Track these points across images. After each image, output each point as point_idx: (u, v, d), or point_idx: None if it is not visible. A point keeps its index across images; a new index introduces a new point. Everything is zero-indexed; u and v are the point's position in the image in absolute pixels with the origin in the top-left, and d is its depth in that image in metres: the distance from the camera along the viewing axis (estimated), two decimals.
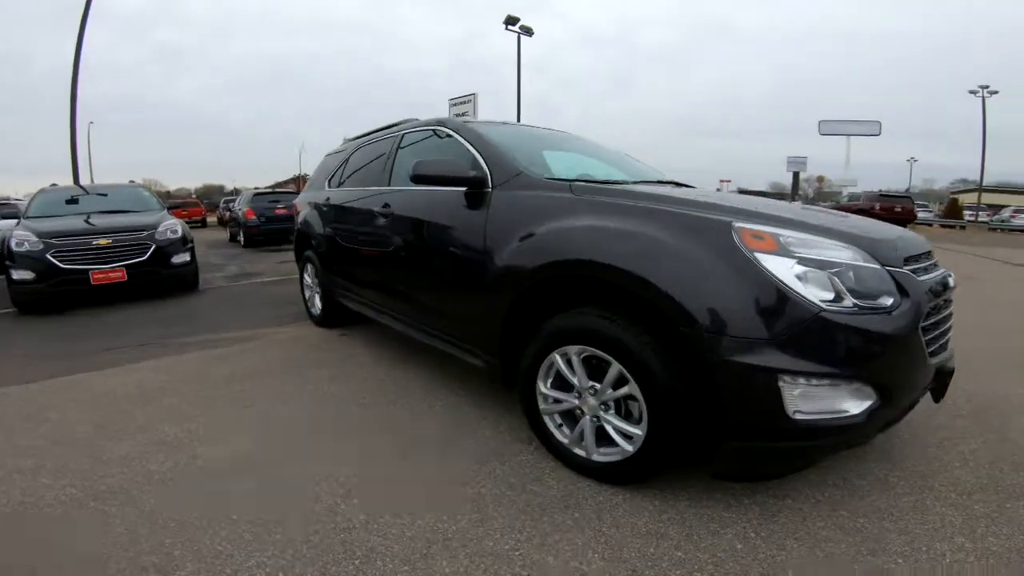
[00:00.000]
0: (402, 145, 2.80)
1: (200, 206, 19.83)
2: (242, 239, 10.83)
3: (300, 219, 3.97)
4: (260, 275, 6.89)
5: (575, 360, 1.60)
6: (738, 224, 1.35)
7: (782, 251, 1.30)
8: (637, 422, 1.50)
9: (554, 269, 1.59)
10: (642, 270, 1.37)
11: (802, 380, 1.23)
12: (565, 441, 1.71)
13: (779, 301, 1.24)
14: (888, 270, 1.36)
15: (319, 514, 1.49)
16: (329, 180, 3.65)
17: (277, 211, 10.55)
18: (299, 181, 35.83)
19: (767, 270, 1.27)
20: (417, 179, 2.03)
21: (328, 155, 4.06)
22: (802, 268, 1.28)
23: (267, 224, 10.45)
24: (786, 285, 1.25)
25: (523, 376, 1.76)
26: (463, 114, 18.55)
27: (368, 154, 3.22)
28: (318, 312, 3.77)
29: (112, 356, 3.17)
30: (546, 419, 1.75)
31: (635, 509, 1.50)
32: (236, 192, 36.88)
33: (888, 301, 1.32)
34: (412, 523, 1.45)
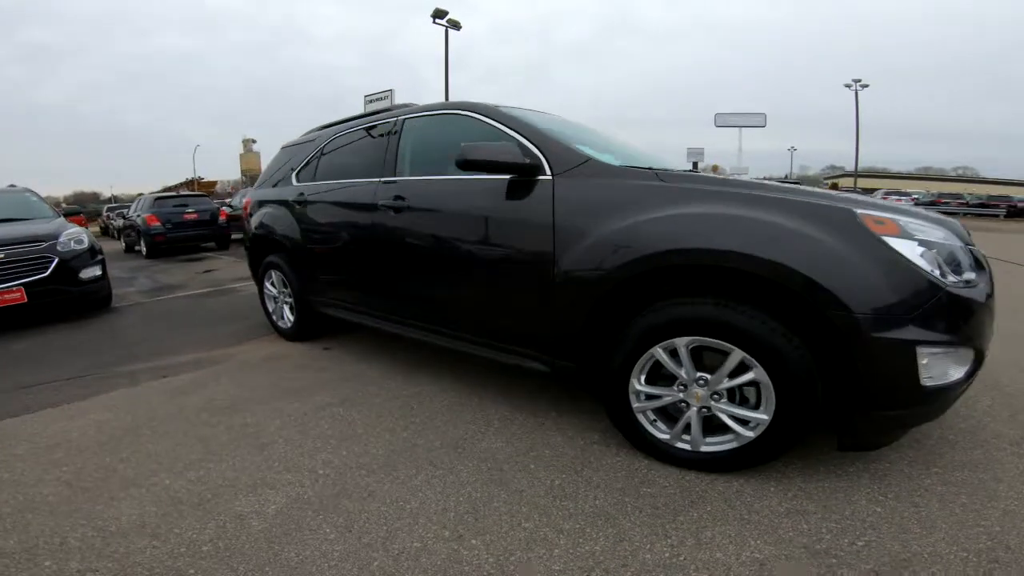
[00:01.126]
0: (404, 131, 2.52)
1: (80, 215, 16.90)
2: (144, 249, 9.38)
3: (255, 221, 3.48)
4: (183, 288, 6.01)
5: (683, 352, 1.54)
6: (859, 211, 1.38)
7: (904, 234, 1.36)
8: (754, 407, 1.50)
9: (664, 259, 1.50)
10: (786, 258, 1.34)
11: (933, 350, 1.30)
12: (665, 437, 1.65)
13: (913, 279, 1.30)
14: (968, 247, 1.50)
15: (441, 564, 1.27)
16: (297, 173, 3.23)
17: (186, 216, 9.29)
18: (193, 184, 31.92)
19: (898, 252, 1.32)
20: (466, 164, 1.84)
21: (286, 147, 3.60)
22: (922, 248, 1.35)
23: (174, 231, 9.15)
24: (916, 265, 1.32)
25: (613, 375, 1.67)
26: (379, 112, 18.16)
27: (355, 143, 2.88)
28: (289, 325, 3.33)
29: (39, 395, 2.55)
30: (639, 417, 1.68)
31: (759, 493, 1.49)
32: (114, 199, 31.89)
33: (972, 275, 1.44)
34: (550, 554, 1.30)
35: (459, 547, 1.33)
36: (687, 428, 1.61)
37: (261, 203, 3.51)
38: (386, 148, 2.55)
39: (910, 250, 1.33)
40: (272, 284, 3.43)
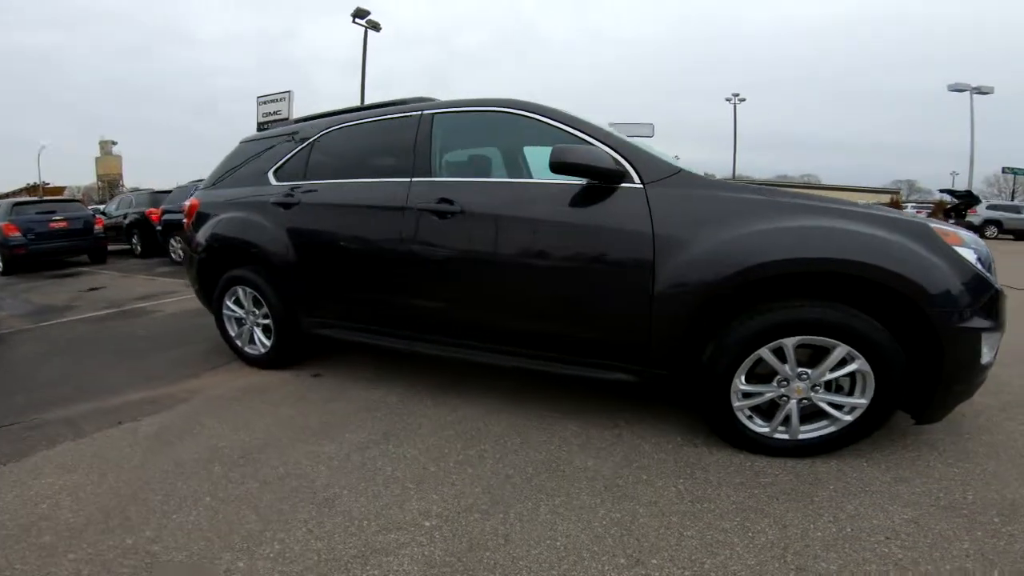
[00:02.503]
0: (435, 128, 2.30)
1: None
2: None
3: (211, 228, 2.94)
4: (72, 310, 4.91)
5: (789, 351, 1.64)
6: (932, 224, 1.62)
7: (963, 244, 1.61)
8: (848, 394, 1.64)
9: (783, 267, 1.58)
10: (900, 267, 1.52)
11: (988, 335, 1.55)
12: (764, 430, 1.74)
13: (977, 280, 1.56)
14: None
15: None
16: (276, 171, 2.80)
17: (53, 225, 7.59)
18: (39, 189, 26.35)
19: (964, 258, 1.57)
20: (560, 168, 1.77)
21: (249, 141, 3.12)
22: (976, 255, 1.61)
23: (39, 243, 7.44)
24: (977, 268, 1.57)
25: (716, 378, 1.72)
26: (275, 112, 16.02)
27: (361, 138, 2.58)
28: (263, 350, 2.86)
29: None
30: (739, 415, 1.75)
31: (857, 469, 1.67)
32: None
33: (992, 276, 1.74)
34: (736, 553, 1.30)
35: (648, 572, 1.27)
36: (785, 420, 1.70)
37: (220, 206, 2.98)
38: (414, 145, 2.30)
39: (970, 256, 1.59)
40: (236, 303, 2.93)
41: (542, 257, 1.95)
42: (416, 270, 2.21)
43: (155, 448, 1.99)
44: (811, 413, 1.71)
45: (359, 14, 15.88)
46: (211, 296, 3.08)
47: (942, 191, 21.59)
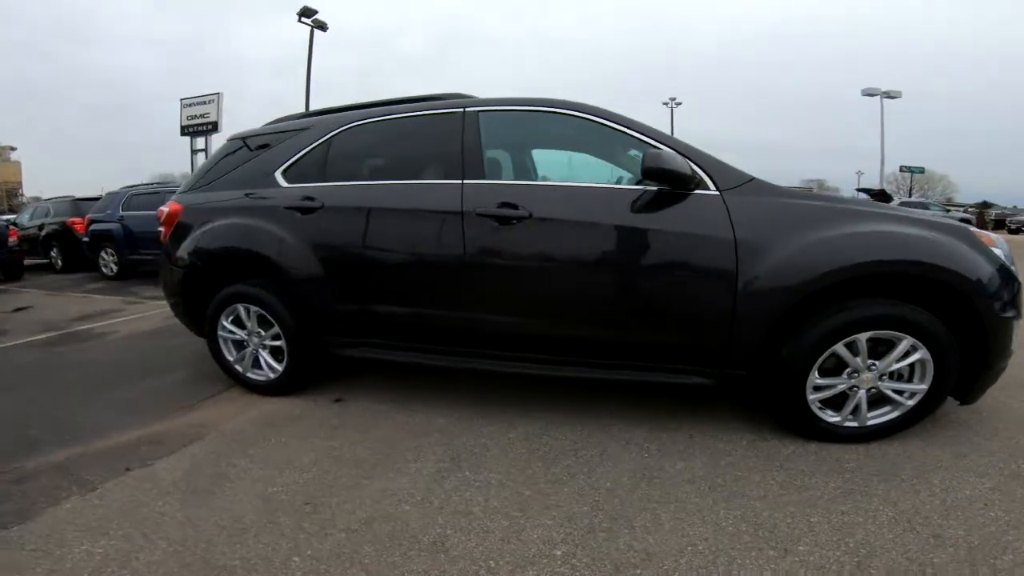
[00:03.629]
0: (483, 128, 2.19)
1: None
2: None
3: (204, 237, 2.58)
4: (5, 334, 4.18)
5: (862, 345, 1.79)
6: (971, 228, 1.85)
7: (996, 244, 1.85)
8: (909, 381, 1.83)
9: (864, 269, 1.72)
10: (959, 266, 1.71)
11: (1017, 324, 1.80)
12: (836, 420, 1.88)
13: (1010, 276, 1.79)
14: None
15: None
16: (285, 171, 2.50)
17: None
18: None
19: (999, 256, 1.80)
20: (653, 173, 1.80)
21: (243, 138, 2.78)
22: (1003, 254, 1.85)
23: None
24: (1009, 266, 1.81)
25: (793, 374, 1.83)
26: (202, 116, 15.26)
27: (392, 136, 2.40)
28: (274, 375, 2.56)
29: None
30: (813, 408, 1.87)
31: (919, 450, 1.85)
32: None
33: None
34: (870, 531, 1.40)
35: (803, 558, 1.34)
36: (854, 409, 1.86)
37: (212, 212, 2.62)
38: (462, 145, 2.16)
39: (1003, 255, 1.83)
40: (235, 323, 2.59)
41: (620, 264, 1.95)
42: (474, 280, 2.10)
43: (193, 500, 1.70)
44: (874, 401, 1.87)
45: (306, 13, 15.04)
46: (198, 316, 2.71)
47: (859, 190, 22.97)
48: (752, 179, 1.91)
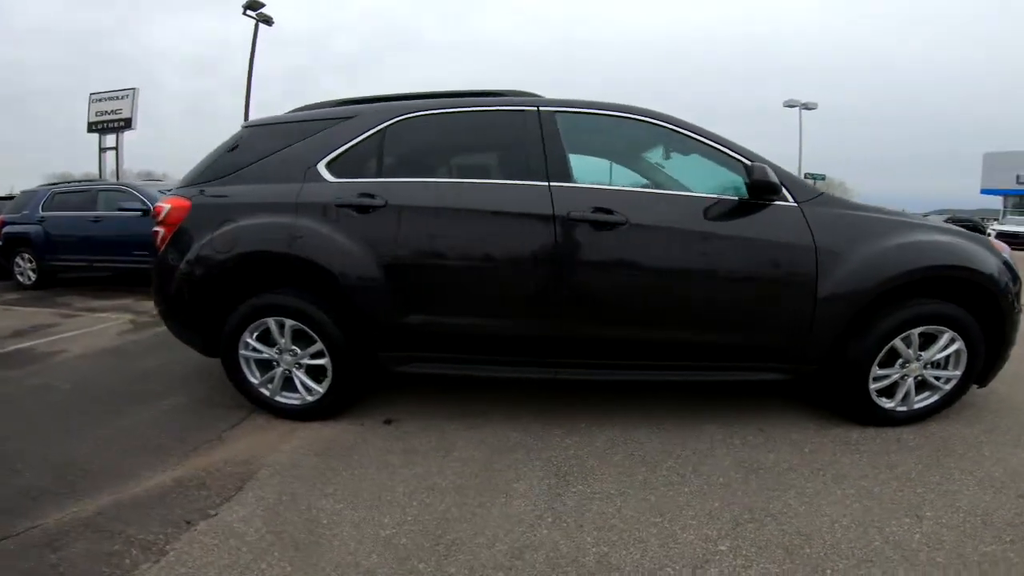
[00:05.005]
0: (562, 129, 2.14)
1: None
2: None
3: (224, 238, 2.21)
4: None
5: (914, 338, 2.05)
6: (987, 237, 2.19)
7: (1004, 250, 2.21)
8: (946, 368, 2.12)
9: (922, 273, 1.97)
10: (990, 270, 2.04)
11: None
12: (891, 405, 2.13)
13: (1016, 277, 2.15)
14: None
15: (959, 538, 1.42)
16: (329, 164, 2.23)
17: None
18: None
19: (1008, 259, 2.16)
20: (761, 186, 1.93)
21: (263, 126, 2.47)
22: (1008, 258, 2.21)
23: None
24: (1014, 267, 2.16)
25: (858, 367, 2.05)
26: (113, 112, 14.42)
27: (461, 133, 2.29)
28: (314, 399, 2.27)
29: None
30: (873, 397, 2.11)
31: (956, 428, 2.14)
32: None
33: None
34: (973, 498, 1.60)
35: (935, 520, 1.55)
36: (905, 395, 2.13)
37: (233, 209, 2.25)
38: (543, 146, 2.10)
39: (1008, 257, 2.20)
40: (261, 340, 2.26)
41: (712, 269, 2.04)
42: (567, 286, 2.05)
43: (301, 556, 1.46)
44: (916, 386, 2.15)
45: (252, 6, 13.80)
46: (207, 332, 2.34)
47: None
48: (822, 193, 2.11)
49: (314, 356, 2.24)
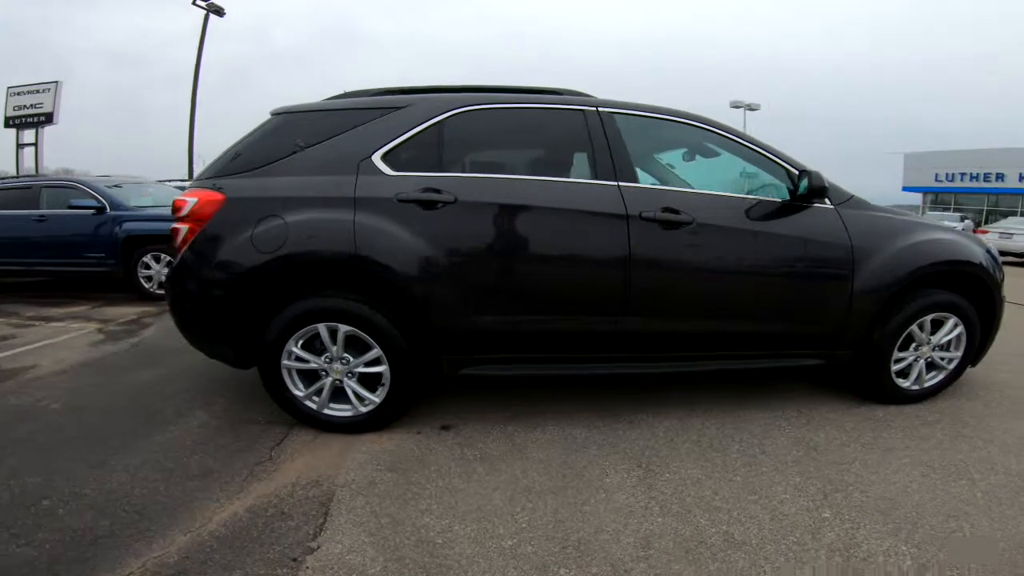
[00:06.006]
0: (622, 129, 2.19)
1: None
2: None
3: (268, 234, 2.02)
4: None
5: (927, 324, 2.34)
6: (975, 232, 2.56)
7: (988, 243, 2.58)
8: (948, 350, 2.43)
9: (936, 268, 2.25)
10: (989, 265, 2.38)
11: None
12: (907, 385, 2.41)
13: (1001, 271, 2.50)
14: None
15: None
16: (385, 155, 2.11)
17: None
18: None
19: (992, 249, 2.52)
20: (818, 191, 2.12)
21: (301, 112, 2.27)
22: (995, 254, 2.57)
23: None
24: (996, 256, 2.53)
25: (883, 351, 2.31)
26: (33, 105, 13.54)
27: (522, 129, 2.28)
28: (367, 409, 2.14)
29: None
30: (893, 377, 2.37)
31: (963, 402, 2.46)
32: None
33: None
34: (1007, 463, 1.88)
35: (987, 482, 1.77)
36: (917, 375, 2.41)
37: (278, 204, 2.06)
38: (608, 146, 2.15)
39: (992, 248, 2.56)
40: (307, 348, 2.10)
41: (769, 266, 2.20)
42: (639, 284, 2.11)
43: None
44: (927, 367, 2.43)
45: None
46: (241, 342, 2.14)
47: None
48: (852, 196, 2.35)
49: (370, 364, 2.11)
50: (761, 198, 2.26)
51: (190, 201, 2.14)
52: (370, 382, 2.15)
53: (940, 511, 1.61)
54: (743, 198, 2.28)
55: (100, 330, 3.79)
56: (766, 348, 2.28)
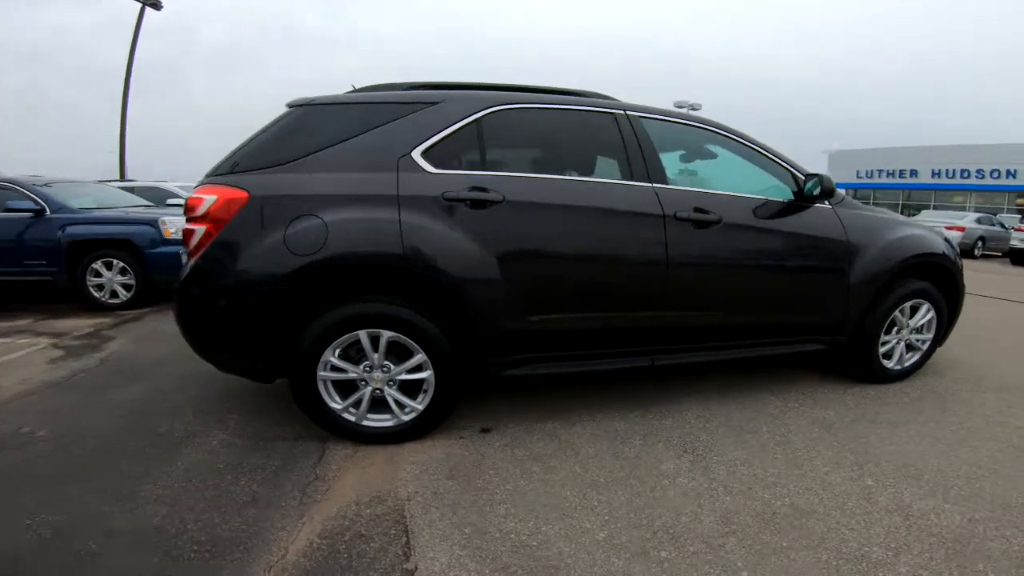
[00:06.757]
0: (650, 132, 2.29)
1: None
2: None
3: (303, 235, 1.89)
4: None
5: (907, 309, 2.64)
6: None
7: (949, 237, 2.96)
8: (922, 333, 2.75)
9: (915, 260, 2.54)
10: (954, 256, 2.73)
11: None
12: (891, 365, 2.70)
13: (958, 254, 2.88)
14: None
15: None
16: (425, 151, 2.03)
17: None
18: None
19: (951, 241, 2.89)
20: (826, 192, 2.34)
21: (323, 105, 2.13)
22: (956, 246, 2.97)
23: None
24: (956, 247, 2.91)
25: (873, 337, 2.59)
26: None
27: (558, 129, 2.28)
28: (409, 418, 2.06)
29: None
30: (880, 358, 2.66)
31: (942, 380, 2.80)
32: None
33: None
34: (1002, 427, 2.18)
35: (984, 448, 2.03)
36: (899, 356, 2.72)
37: (316, 201, 1.93)
38: (640, 148, 2.24)
39: (951, 240, 2.94)
40: (344, 358, 2.00)
41: (783, 261, 2.39)
42: (675, 280, 2.21)
43: None
44: (906, 348, 2.75)
45: None
46: (270, 354, 1.99)
47: None
48: (844, 196, 2.61)
49: (412, 371, 2.04)
50: (768, 198, 2.44)
51: (207, 199, 1.96)
52: (410, 389, 2.08)
53: (959, 474, 1.84)
54: (753, 198, 2.44)
55: (56, 345, 3.34)
56: (782, 335, 2.48)
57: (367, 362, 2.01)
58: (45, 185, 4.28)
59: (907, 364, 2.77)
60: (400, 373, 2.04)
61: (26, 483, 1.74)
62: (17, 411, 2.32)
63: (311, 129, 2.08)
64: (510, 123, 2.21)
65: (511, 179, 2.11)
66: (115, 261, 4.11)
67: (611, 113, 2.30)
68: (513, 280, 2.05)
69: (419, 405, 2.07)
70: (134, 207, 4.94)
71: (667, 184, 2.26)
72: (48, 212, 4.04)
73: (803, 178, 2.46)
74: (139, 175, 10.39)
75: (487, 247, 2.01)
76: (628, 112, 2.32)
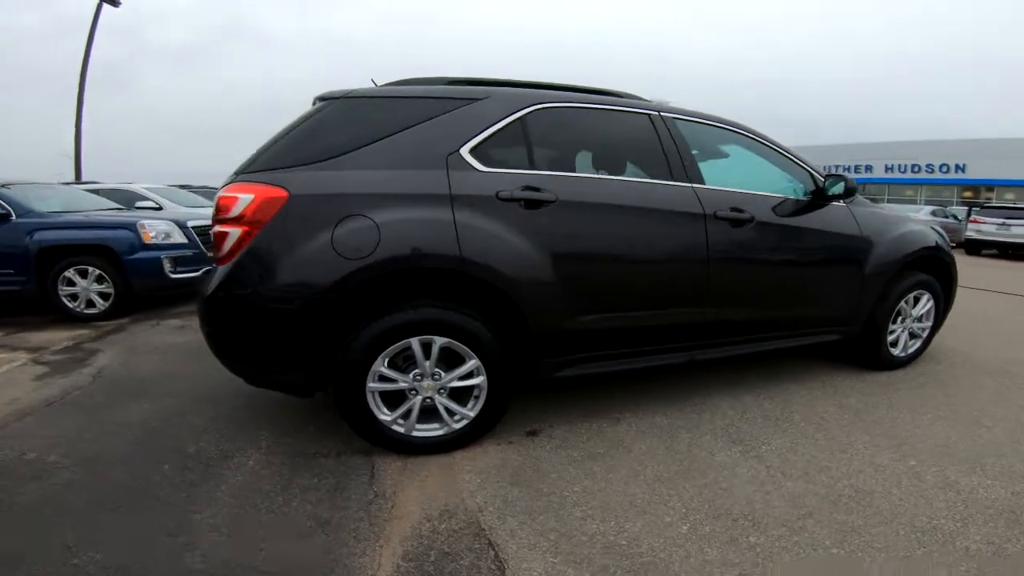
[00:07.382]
0: (684, 133, 2.33)
1: None
2: None
3: (354, 236, 1.80)
4: None
5: (910, 300, 2.82)
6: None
7: (942, 231, 3.16)
8: (922, 322, 2.94)
9: (918, 253, 2.72)
10: (948, 248, 2.93)
11: None
12: (897, 352, 2.88)
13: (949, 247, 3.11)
14: None
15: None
16: (473, 149, 1.97)
17: None
18: None
19: (944, 234, 3.09)
20: (849, 191, 2.46)
21: (361, 97, 2.03)
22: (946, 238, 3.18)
23: None
24: (947, 239, 3.12)
25: (881, 328, 2.76)
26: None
27: (598, 129, 2.30)
28: (460, 426, 2.01)
29: None
30: (887, 346, 2.84)
31: (936, 366, 3.00)
32: None
33: None
34: (998, 406, 2.36)
35: (996, 427, 2.19)
36: (904, 344, 2.90)
37: (364, 201, 1.84)
38: (677, 149, 2.28)
39: (946, 236, 3.15)
40: (392, 367, 1.92)
41: (808, 256, 2.50)
42: (716, 277, 2.26)
43: None
44: (909, 336, 2.94)
45: None
46: (313, 366, 1.89)
47: None
48: (857, 195, 2.75)
49: (463, 377, 1.98)
50: (786, 197, 2.54)
51: (242, 198, 1.82)
52: (460, 396, 2.03)
53: (987, 452, 1.98)
54: (776, 197, 2.53)
55: (36, 361, 3.04)
56: (805, 327, 2.60)
57: (416, 370, 1.94)
58: (3, 186, 3.87)
59: (911, 351, 2.97)
60: (452, 380, 1.98)
61: (60, 517, 1.57)
62: (16, 435, 2.09)
63: (349, 123, 1.98)
64: (552, 122, 2.19)
65: (564, 179, 2.10)
66: (90, 268, 3.78)
67: (647, 114, 2.33)
68: (566, 281, 2.04)
69: (471, 412, 2.02)
70: (104, 210, 4.57)
71: (703, 184, 2.31)
72: (13, 217, 3.66)
73: (821, 178, 2.58)
74: (95, 177, 9.56)
75: (541, 248, 1.99)
76: (662, 113, 2.36)
